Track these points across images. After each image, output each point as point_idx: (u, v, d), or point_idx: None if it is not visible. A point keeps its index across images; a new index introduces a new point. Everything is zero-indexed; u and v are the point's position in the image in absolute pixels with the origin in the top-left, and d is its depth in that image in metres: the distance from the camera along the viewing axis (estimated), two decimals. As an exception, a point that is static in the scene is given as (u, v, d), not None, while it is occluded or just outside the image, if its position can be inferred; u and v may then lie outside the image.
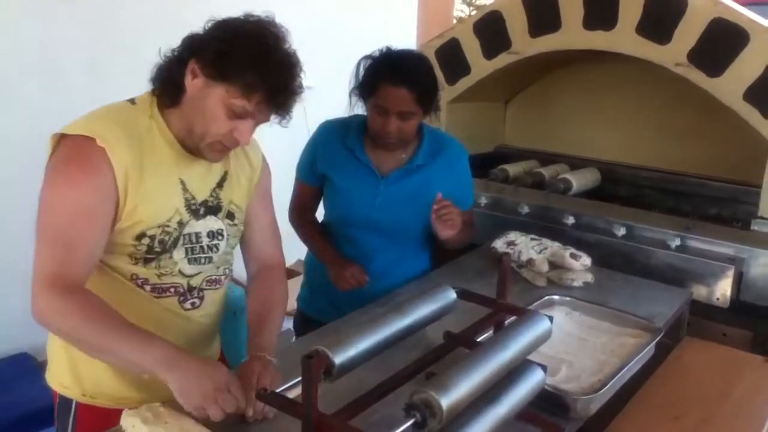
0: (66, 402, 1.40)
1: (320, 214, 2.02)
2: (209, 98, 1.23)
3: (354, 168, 1.84)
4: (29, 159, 2.68)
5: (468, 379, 0.98)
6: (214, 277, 1.43)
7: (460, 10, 5.39)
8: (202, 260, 1.38)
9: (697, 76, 2.02)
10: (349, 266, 1.81)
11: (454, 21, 4.88)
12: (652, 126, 2.59)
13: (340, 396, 1.08)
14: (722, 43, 1.96)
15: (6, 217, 2.67)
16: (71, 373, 1.38)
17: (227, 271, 1.47)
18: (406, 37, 4.35)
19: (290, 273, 3.64)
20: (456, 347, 1.26)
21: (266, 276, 1.51)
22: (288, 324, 2.74)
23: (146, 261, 1.31)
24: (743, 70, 1.93)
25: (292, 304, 2.70)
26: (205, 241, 1.37)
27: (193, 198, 1.35)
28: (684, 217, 2.20)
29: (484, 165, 2.69)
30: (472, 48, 2.49)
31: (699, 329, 1.90)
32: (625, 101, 2.65)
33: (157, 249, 1.30)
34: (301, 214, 1.97)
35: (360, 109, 1.81)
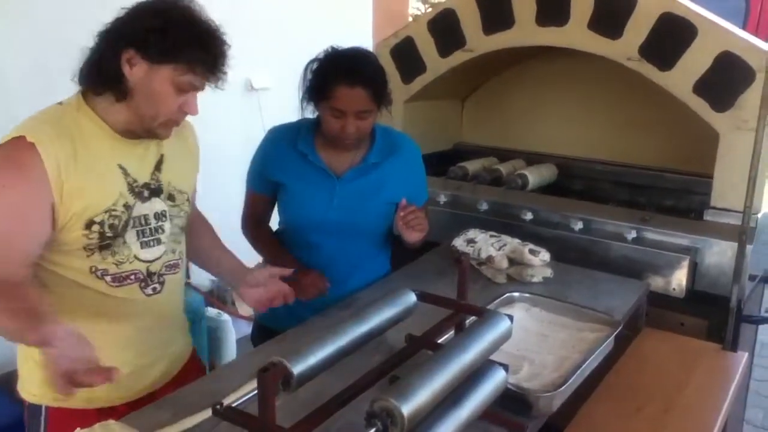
0: (35, 408, 1.45)
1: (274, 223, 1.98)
2: (155, 81, 1.30)
3: (308, 171, 1.81)
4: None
5: (429, 384, 0.97)
6: (172, 262, 1.49)
7: (416, 8, 5.39)
8: (152, 243, 1.43)
9: (648, 70, 2.05)
10: (308, 274, 1.77)
11: (410, 19, 4.88)
12: (606, 120, 2.63)
13: (301, 403, 1.06)
14: (671, 37, 2.00)
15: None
16: (41, 381, 1.38)
17: (182, 254, 1.54)
18: (361, 36, 4.34)
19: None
20: (418, 350, 1.25)
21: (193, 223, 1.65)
22: (247, 329, 2.71)
23: (102, 249, 1.35)
24: (692, 64, 1.97)
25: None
26: (152, 222, 1.43)
27: (135, 181, 1.40)
28: (639, 209, 2.23)
29: (442, 163, 2.69)
30: (426, 46, 2.49)
31: (657, 320, 1.93)
32: (579, 96, 2.68)
33: (109, 234, 1.35)
34: (254, 224, 1.93)
35: (309, 113, 1.80)
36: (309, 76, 1.73)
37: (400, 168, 1.86)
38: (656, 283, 1.98)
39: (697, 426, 1.45)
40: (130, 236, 1.38)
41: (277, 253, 1.85)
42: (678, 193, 2.46)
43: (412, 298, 1.26)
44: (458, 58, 2.43)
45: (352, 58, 1.71)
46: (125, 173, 1.38)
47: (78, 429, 1.15)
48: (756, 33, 3.73)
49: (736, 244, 1.80)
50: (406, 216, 1.72)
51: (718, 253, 1.93)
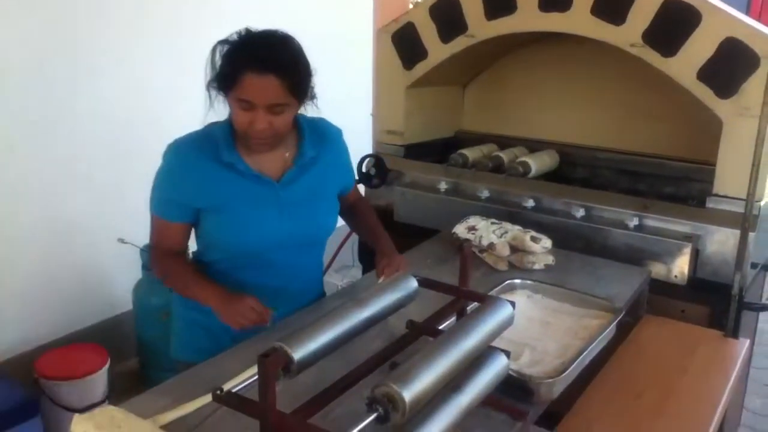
0: None
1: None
2: None
3: (242, 185, 1.55)
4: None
5: (431, 369, 0.96)
6: None
7: (417, -6, 5.35)
8: None
9: (651, 57, 2.03)
10: (241, 299, 1.44)
11: (411, 6, 4.84)
12: (608, 107, 2.61)
13: (301, 389, 1.06)
14: (675, 23, 1.97)
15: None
16: None
17: None
18: (362, 22, 4.32)
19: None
20: (419, 336, 1.25)
21: None
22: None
23: None
24: (696, 50, 1.95)
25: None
26: None
27: None
28: (641, 196, 2.22)
29: (443, 150, 2.68)
30: (428, 32, 2.46)
31: (658, 307, 1.93)
32: (581, 83, 2.65)
33: None
34: (169, 257, 1.59)
35: (215, 113, 1.53)
36: (217, 60, 1.48)
37: (335, 155, 1.71)
38: (658, 270, 1.98)
39: (697, 412, 1.45)
40: None
41: (199, 282, 1.54)
42: (679, 181, 2.44)
43: (413, 283, 1.25)
44: (460, 44, 2.41)
45: (265, 41, 1.47)
46: None
47: (76, 414, 1.15)
48: (758, 19, 3.70)
49: (738, 232, 1.79)
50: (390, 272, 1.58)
51: (720, 241, 1.92)
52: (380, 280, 1.56)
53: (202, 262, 1.65)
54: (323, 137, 1.68)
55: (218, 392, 0.97)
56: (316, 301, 1.74)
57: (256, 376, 0.95)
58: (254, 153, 1.56)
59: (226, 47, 1.48)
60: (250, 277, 1.60)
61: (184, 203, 1.55)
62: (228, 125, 1.55)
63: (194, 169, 1.53)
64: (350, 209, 1.86)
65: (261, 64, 1.41)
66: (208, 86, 1.50)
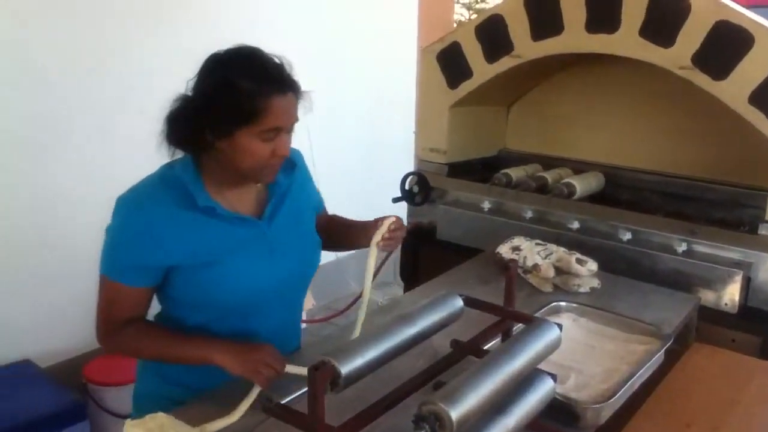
0: None
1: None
2: None
3: (227, 231, 1.35)
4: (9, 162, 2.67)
5: (477, 389, 0.96)
6: None
7: (460, 13, 5.38)
8: None
9: (701, 80, 2.00)
10: (259, 348, 1.27)
11: (455, 25, 4.88)
12: (655, 129, 2.58)
13: (343, 405, 1.06)
14: (726, 45, 1.94)
15: (8, 224, 2.66)
16: None
17: None
18: (406, 42, 4.36)
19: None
20: (464, 356, 1.25)
21: None
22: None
23: None
24: (748, 73, 1.91)
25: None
26: None
27: None
28: (689, 221, 2.18)
29: (486, 169, 2.68)
30: (473, 52, 2.47)
31: (707, 335, 1.88)
32: (628, 104, 2.63)
33: None
34: (132, 325, 1.35)
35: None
36: (216, 101, 1.27)
37: (302, 178, 1.55)
38: (707, 297, 1.93)
39: (749, 446, 1.41)
40: None
41: (204, 339, 1.34)
42: (729, 206, 2.39)
43: (459, 302, 1.25)
44: (505, 64, 2.41)
45: (263, 59, 1.32)
46: None
47: (128, 420, 1.18)
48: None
49: (792, 260, 1.75)
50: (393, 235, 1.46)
51: (773, 269, 1.87)
52: (379, 238, 1.44)
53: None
54: (290, 160, 1.46)
55: (266, 401, 0.99)
56: (292, 354, 1.52)
57: (303, 389, 0.96)
58: (236, 191, 1.39)
59: (213, 81, 1.29)
60: (230, 338, 1.36)
61: (154, 265, 1.32)
62: (189, 164, 1.35)
63: (170, 223, 1.30)
64: (327, 227, 1.63)
65: (280, 83, 1.30)
66: (193, 136, 1.30)
